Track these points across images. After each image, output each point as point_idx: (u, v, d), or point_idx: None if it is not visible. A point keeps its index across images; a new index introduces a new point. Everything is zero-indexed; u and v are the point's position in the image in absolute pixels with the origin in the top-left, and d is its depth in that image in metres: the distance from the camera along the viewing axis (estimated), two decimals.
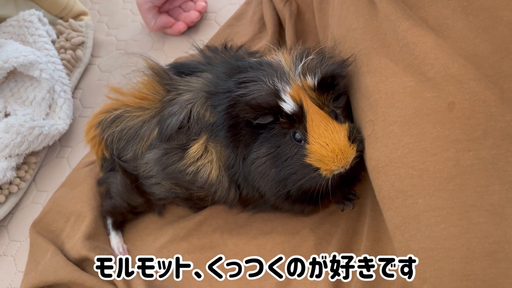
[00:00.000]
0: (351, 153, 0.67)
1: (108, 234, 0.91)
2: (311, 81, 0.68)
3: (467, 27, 0.63)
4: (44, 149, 1.11)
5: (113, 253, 0.87)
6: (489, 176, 0.53)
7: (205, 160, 0.72)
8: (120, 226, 0.92)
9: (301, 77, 0.68)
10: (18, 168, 1.05)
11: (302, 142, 0.67)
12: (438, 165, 0.56)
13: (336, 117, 0.69)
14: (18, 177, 1.04)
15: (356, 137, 0.68)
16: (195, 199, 0.81)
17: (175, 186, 0.79)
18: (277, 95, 0.66)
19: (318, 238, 0.81)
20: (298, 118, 0.67)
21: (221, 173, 0.72)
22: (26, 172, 1.06)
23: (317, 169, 0.67)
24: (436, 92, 0.60)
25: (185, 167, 0.72)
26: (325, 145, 0.66)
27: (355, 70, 0.73)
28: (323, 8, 0.97)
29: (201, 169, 0.72)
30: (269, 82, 0.67)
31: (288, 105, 0.66)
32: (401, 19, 0.66)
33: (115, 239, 0.90)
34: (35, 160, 1.08)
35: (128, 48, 1.33)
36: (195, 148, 0.71)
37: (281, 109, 0.66)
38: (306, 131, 0.67)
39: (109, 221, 0.92)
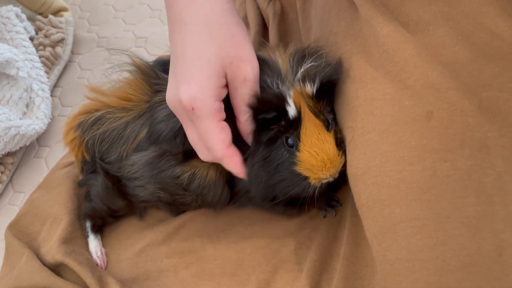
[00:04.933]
0: (339, 161, 0.66)
1: (86, 237, 0.89)
2: (309, 89, 0.66)
3: (447, 33, 0.62)
4: (21, 149, 1.08)
5: (90, 257, 0.86)
6: (465, 187, 0.53)
7: (201, 163, 0.71)
8: (99, 229, 0.90)
9: (301, 83, 0.66)
10: None
11: (294, 148, 0.66)
12: (415, 175, 0.56)
13: (328, 126, 0.68)
14: None
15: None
16: (178, 204, 0.80)
17: (160, 190, 0.78)
18: (282, 98, 0.65)
19: (299, 243, 0.80)
20: (294, 124, 0.66)
21: (217, 174, 0.72)
22: (2, 173, 1.03)
23: (306, 177, 0.66)
24: (414, 100, 0.59)
25: (181, 173, 0.71)
26: (315, 154, 0.65)
27: None
28: (306, 9, 0.95)
29: (197, 172, 0.71)
30: (273, 84, 0.65)
31: (292, 110, 0.65)
32: (382, 24, 0.65)
33: (93, 243, 0.88)
34: (12, 160, 1.05)
35: (110, 46, 1.30)
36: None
37: (285, 112, 0.65)
38: (299, 139, 0.66)
39: (88, 224, 0.90)
